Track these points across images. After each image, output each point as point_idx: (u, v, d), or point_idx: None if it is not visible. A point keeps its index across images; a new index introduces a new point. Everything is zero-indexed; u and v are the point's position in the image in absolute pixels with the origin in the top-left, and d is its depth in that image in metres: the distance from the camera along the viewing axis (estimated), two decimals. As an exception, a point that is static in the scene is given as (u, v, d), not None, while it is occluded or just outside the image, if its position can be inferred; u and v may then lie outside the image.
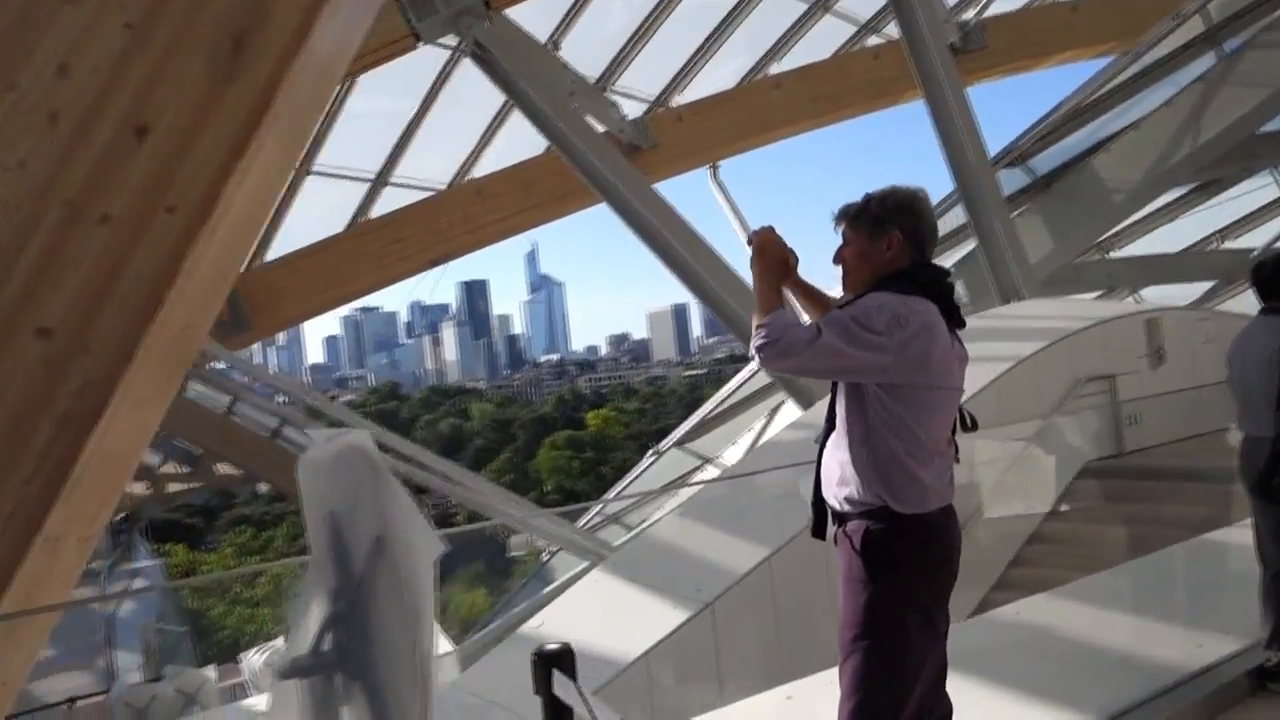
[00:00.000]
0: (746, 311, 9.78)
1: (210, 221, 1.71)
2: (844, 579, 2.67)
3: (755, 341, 2.52)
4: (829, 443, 2.73)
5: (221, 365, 15.04)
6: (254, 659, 10.12)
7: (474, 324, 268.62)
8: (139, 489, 31.60)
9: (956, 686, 3.65)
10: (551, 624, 6.22)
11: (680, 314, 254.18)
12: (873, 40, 15.77)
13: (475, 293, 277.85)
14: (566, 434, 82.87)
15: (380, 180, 14.37)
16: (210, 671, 9.75)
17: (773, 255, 2.72)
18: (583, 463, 72.23)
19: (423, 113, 13.74)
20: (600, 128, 14.48)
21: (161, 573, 23.57)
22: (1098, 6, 15.79)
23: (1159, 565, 5.43)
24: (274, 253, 14.33)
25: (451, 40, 12.13)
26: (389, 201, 14.67)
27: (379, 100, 14.09)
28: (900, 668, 2.60)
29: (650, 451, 17.68)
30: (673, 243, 10.73)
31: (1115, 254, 15.77)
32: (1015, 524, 7.56)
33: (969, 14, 15.48)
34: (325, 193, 14.44)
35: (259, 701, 9.57)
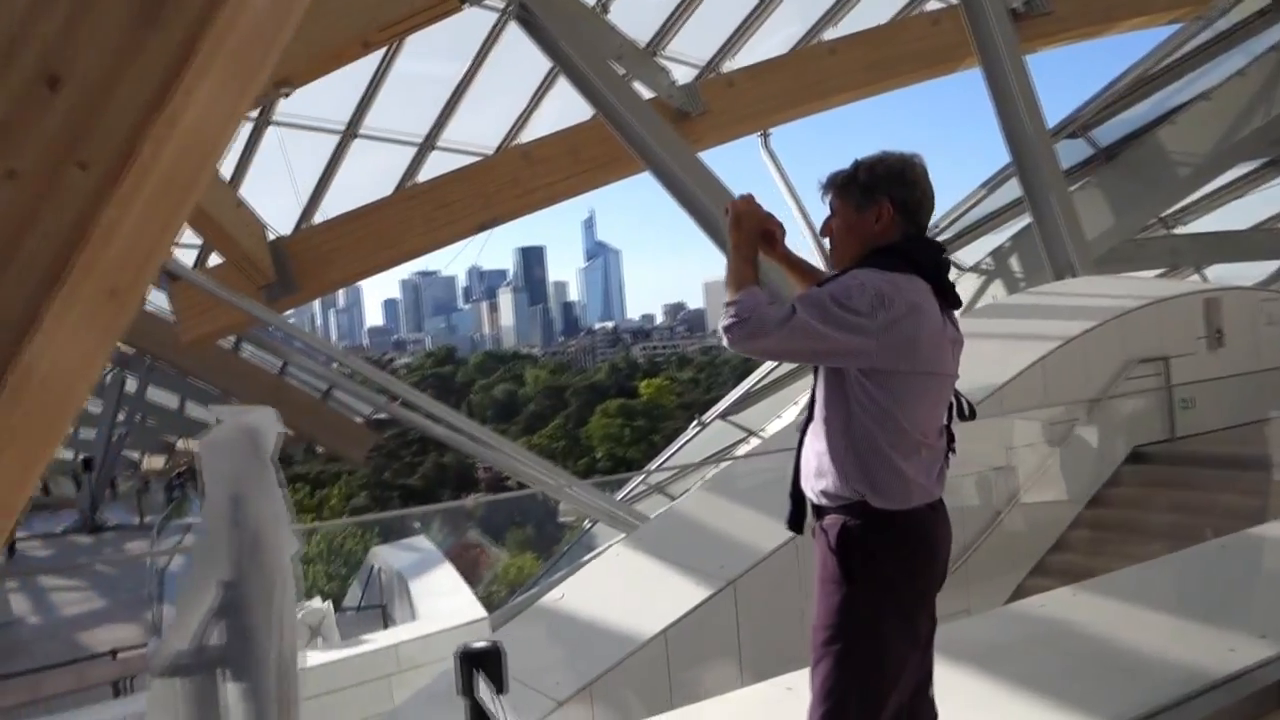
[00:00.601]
0: (787, 287, 9.54)
1: (126, 179, 1.60)
2: (818, 577, 2.50)
3: (723, 320, 2.34)
4: (808, 431, 2.55)
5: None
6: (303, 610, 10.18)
7: (530, 290, 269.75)
8: (194, 446, 32.29)
9: (964, 683, 3.50)
10: (572, 597, 6.16)
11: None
12: (932, 5, 15.29)
13: (532, 259, 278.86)
14: (619, 402, 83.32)
15: (428, 144, 14.31)
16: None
17: (750, 225, 2.56)
18: (634, 431, 72.56)
19: (470, 76, 13.63)
20: (649, 93, 14.29)
21: (215, 528, 23.96)
22: (1171, -30, 15.09)
23: (1199, 559, 5.18)
24: (320, 215, 14.39)
25: (498, 2, 12.01)
26: (436, 165, 14.61)
27: (427, 63, 14.00)
28: (874, 675, 2.42)
29: (695, 422, 17.56)
30: (715, 213, 10.52)
31: (1180, 230, 15.20)
32: (1057, 509, 7.32)
33: (1034, -23, 14.92)
34: (373, 156, 14.44)
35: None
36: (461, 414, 13.09)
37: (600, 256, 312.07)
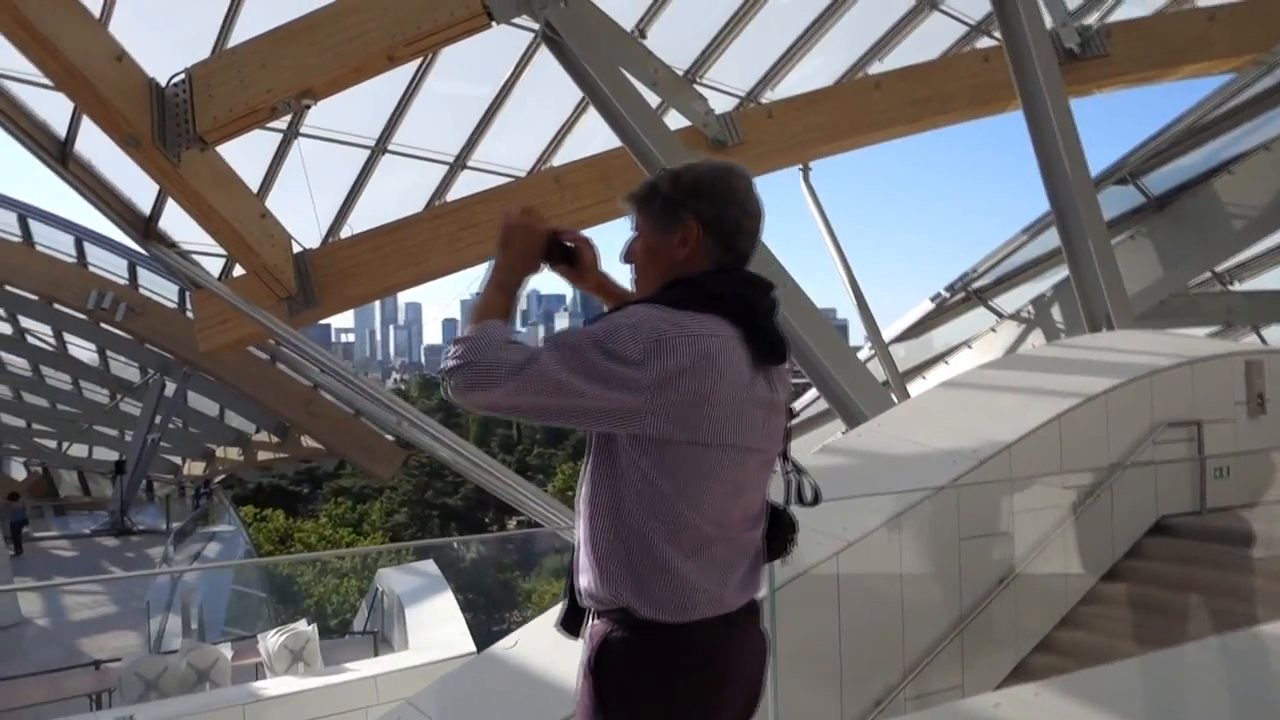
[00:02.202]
0: (831, 356, 8.96)
1: None
2: (578, 703, 1.98)
3: (444, 363, 1.87)
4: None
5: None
6: (272, 639, 9.93)
7: (587, 314, 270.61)
8: (233, 454, 32.50)
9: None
10: (525, 643, 5.74)
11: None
12: (984, 42, 14.81)
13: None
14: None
15: (458, 163, 14.14)
16: (226, 649, 9.59)
17: (523, 244, 2.07)
18: (681, 461, 71.92)
19: (503, 96, 13.45)
20: (684, 121, 13.99)
21: (242, 538, 23.99)
22: (1237, 16, 14.42)
23: (1218, 653, 4.62)
24: (348, 230, 14.25)
25: (531, 22, 11.79)
26: (465, 185, 14.44)
27: (459, 83, 13.86)
28: None
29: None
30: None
31: (1237, 287, 14.44)
32: (1068, 581, 6.75)
33: (1091, 18, 14.38)
34: (404, 173, 14.30)
35: (274, 684, 9.39)
36: (470, 442, 12.76)
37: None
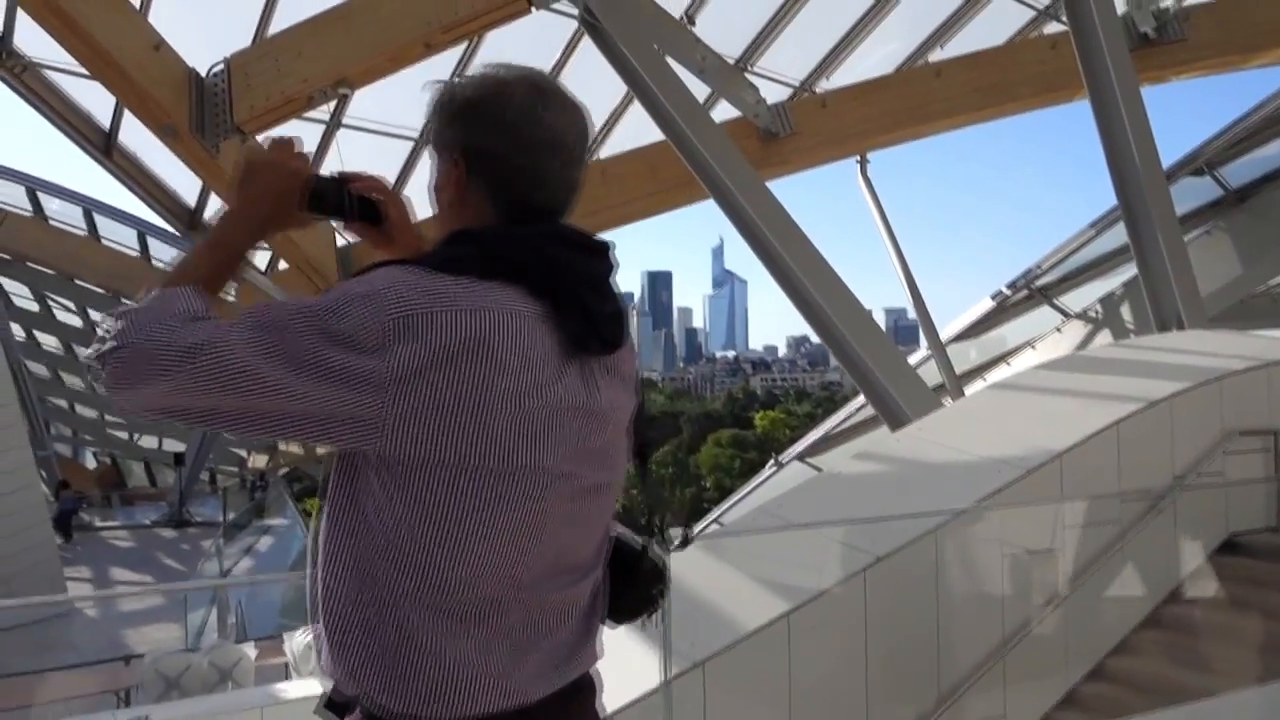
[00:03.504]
0: (874, 354, 8.43)
1: None
2: None
3: (93, 347, 1.29)
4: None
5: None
6: (299, 639, 9.70)
7: (655, 314, 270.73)
8: (294, 447, 32.88)
9: None
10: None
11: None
12: (1052, 28, 14.09)
13: (659, 283, 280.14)
14: (732, 433, 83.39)
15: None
16: (250, 649, 9.42)
17: (264, 187, 1.44)
18: (744, 463, 71.69)
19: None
20: (733, 112, 13.55)
21: (299, 531, 24.20)
22: (1327, -3, 13.52)
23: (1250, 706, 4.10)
24: (392, 224, 14.08)
25: (572, 8, 11.47)
26: (512, 179, 14.18)
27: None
28: None
29: (772, 462, 16.58)
30: (781, 253, 9.57)
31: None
32: (1124, 603, 6.20)
33: (1168, 1, 13.58)
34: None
35: (296, 686, 9.19)
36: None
37: (727, 285, 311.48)
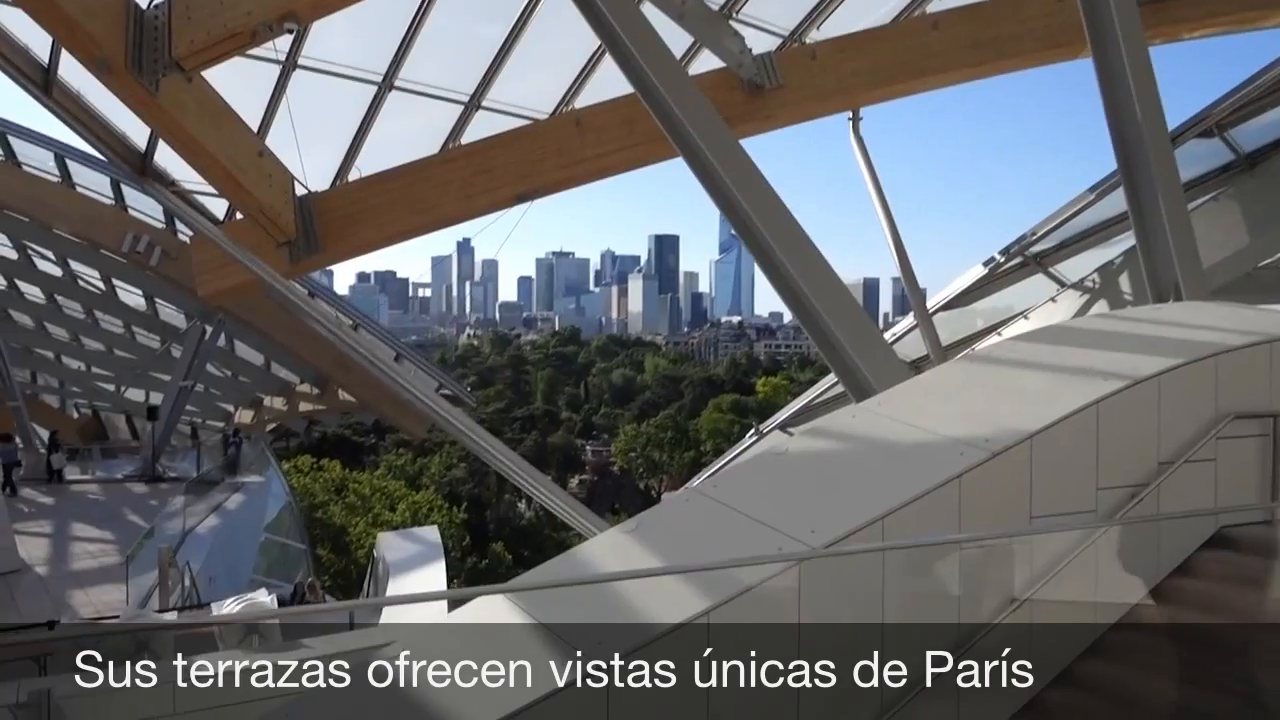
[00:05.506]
0: (843, 322, 7.67)
1: None
2: None
3: None
4: None
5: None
6: (229, 608, 9.19)
7: (661, 278, 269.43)
8: (278, 404, 32.37)
9: None
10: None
11: (871, 289, 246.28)
12: (1058, -21, 13.29)
13: (666, 247, 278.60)
14: (733, 398, 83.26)
15: (472, 104, 13.17)
16: (171, 616, 8.88)
17: None
18: (743, 428, 71.20)
19: (516, 34, 12.42)
20: (716, 61, 12.81)
21: (274, 489, 23.70)
22: (1354, -51, 12.68)
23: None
24: (355, 174, 13.40)
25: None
26: (481, 128, 13.46)
27: (474, 21, 12.87)
28: None
29: (752, 431, 15.99)
30: (750, 214, 8.82)
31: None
32: (1098, 601, 5.58)
33: (1184, -49, 12.78)
34: (414, 116, 13.38)
35: (215, 659, 8.69)
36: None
37: (734, 250, 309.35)
